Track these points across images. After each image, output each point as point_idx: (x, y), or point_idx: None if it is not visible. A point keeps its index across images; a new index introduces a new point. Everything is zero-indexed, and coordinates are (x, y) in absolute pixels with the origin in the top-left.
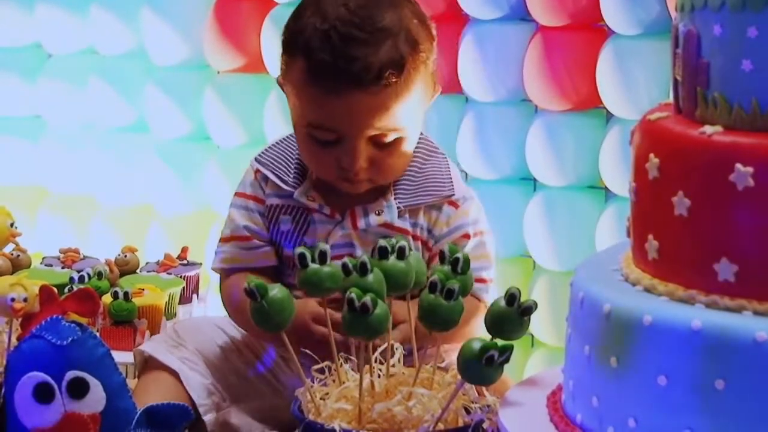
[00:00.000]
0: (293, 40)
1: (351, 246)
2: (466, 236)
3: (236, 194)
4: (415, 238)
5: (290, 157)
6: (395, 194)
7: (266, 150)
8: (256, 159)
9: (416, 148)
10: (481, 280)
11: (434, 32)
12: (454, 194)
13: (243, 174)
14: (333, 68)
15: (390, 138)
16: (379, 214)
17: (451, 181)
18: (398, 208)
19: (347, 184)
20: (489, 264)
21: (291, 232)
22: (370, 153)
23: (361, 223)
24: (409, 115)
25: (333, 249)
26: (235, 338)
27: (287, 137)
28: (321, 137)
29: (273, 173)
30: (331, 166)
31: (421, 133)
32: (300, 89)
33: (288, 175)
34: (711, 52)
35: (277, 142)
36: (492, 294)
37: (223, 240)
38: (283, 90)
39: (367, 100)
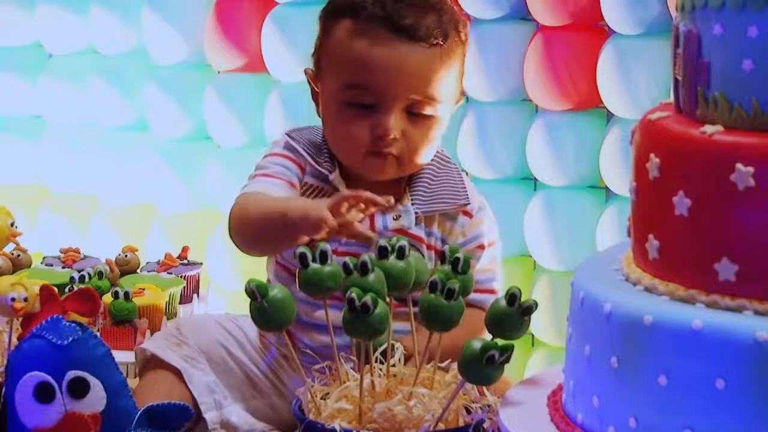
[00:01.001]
0: (338, 7)
1: (365, 247)
2: (481, 247)
3: (272, 154)
4: (429, 247)
5: (319, 144)
6: (412, 201)
7: (295, 131)
8: (289, 135)
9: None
10: (492, 291)
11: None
12: (469, 203)
13: (272, 144)
14: (382, 20)
15: (426, 111)
16: (396, 219)
17: (466, 190)
18: (416, 213)
19: (375, 161)
20: (498, 274)
21: None
22: (404, 125)
23: (378, 226)
24: (444, 93)
25: (347, 246)
26: (238, 335)
27: (310, 127)
28: (358, 100)
29: (306, 152)
30: (364, 136)
31: None
32: (342, 49)
33: (320, 157)
34: (711, 52)
35: (303, 129)
36: None
37: (249, 178)
38: (311, 83)
39: (412, 56)
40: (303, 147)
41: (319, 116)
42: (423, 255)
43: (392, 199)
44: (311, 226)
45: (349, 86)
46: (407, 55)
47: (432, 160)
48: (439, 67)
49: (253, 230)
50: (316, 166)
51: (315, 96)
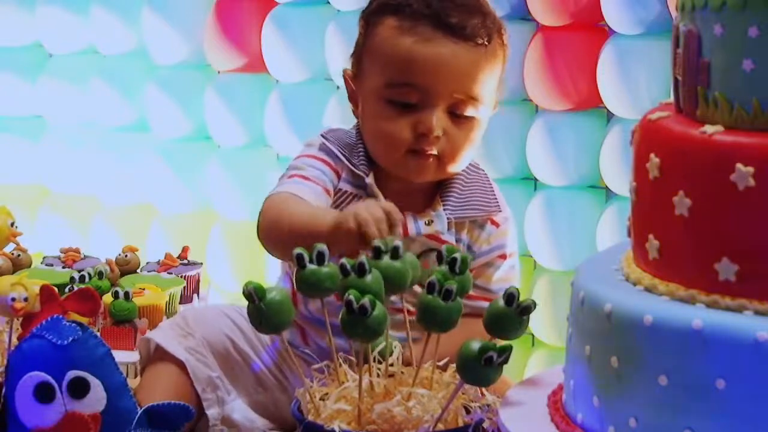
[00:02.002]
0: (382, 5)
1: None
2: (503, 257)
3: (308, 155)
4: None
5: (354, 146)
6: (444, 206)
7: (330, 132)
8: (324, 137)
9: None
10: None
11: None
12: (500, 211)
13: (305, 146)
14: (429, 18)
15: (468, 111)
16: (429, 224)
17: (496, 198)
18: (448, 219)
19: (416, 161)
20: (517, 284)
21: None
22: (446, 125)
23: (411, 231)
24: (486, 94)
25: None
26: (243, 327)
27: (343, 129)
28: (402, 98)
29: (342, 154)
30: (406, 134)
31: None
32: (386, 47)
33: (357, 160)
34: (712, 52)
35: (338, 131)
36: None
37: (283, 177)
38: (348, 83)
39: (458, 54)
40: (339, 149)
41: (357, 117)
42: None
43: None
44: (355, 238)
45: (394, 84)
46: (453, 53)
47: None
48: (483, 67)
49: (286, 241)
50: (353, 169)
51: (352, 96)
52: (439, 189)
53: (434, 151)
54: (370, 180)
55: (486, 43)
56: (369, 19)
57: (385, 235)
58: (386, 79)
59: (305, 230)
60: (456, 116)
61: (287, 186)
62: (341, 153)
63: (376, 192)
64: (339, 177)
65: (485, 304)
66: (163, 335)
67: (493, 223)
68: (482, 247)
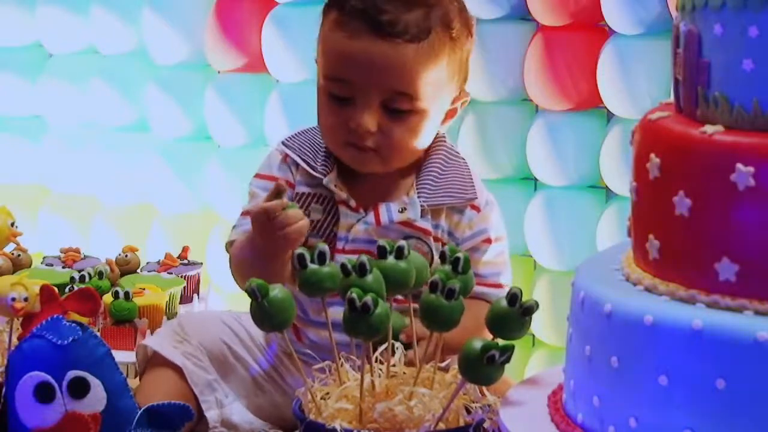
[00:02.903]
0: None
1: (371, 243)
2: (488, 241)
3: (259, 176)
4: (436, 239)
5: (318, 144)
6: (418, 193)
7: (293, 136)
8: (283, 143)
9: (438, 149)
10: (498, 285)
11: (472, 29)
12: (476, 197)
13: (265, 158)
14: (361, 14)
15: (402, 106)
16: (401, 212)
17: (473, 185)
18: (422, 206)
19: (354, 153)
20: (506, 268)
21: (321, 222)
22: (381, 119)
23: (384, 219)
24: (426, 91)
25: (353, 243)
26: (240, 333)
27: (313, 127)
28: (337, 93)
29: (301, 158)
30: (342, 128)
31: (443, 137)
32: (326, 40)
33: (316, 162)
34: (712, 52)
35: (303, 131)
36: None
37: (242, 215)
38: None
39: (386, 51)
40: (298, 153)
41: None
42: (430, 247)
43: (283, 183)
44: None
45: (330, 78)
46: (381, 51)
47: (440, 153)
48: (418, 63)
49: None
50: (311, 171)
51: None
52: (417, 176)
53: (369, 145)
54: (327, 180)
55: (422, 38)
56: (323, 11)
57: (271, 208)
58: (325, 73)
59: (260, 267)
60: (392, 111)
61: (235, 233)
62: (300, 157)
63: (332, 189)
64: (293, 186)
65: (477, 288)
66: (159, 341)
67: (474, 208)
68: (465, 232)
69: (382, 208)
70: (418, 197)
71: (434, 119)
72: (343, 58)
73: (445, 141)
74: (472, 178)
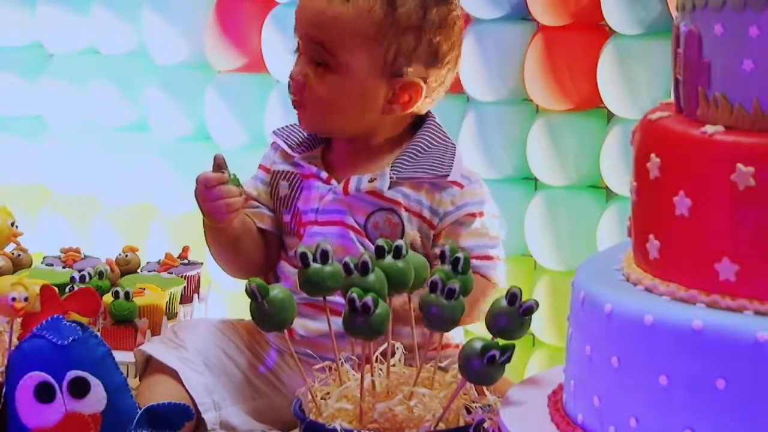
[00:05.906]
0: None
1: (340, 212)
2: (471, 215)
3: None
4: (407, 209)
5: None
6: (392, 167)
7: (287, 125)
8: (274, 131)
9: (424, 130)
10: (487, 257)
11: (455, 29)
12: (448, 175)
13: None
14: None
15: (321, 58)
16: (371, 181)
17: (451, 165)
18: (391, 177)
19: (296, 109)
20: (495, 242)
21: (287, 197)
22: (309, 72)
23: (351, 187)
24: (344, 49)
25: (323, 213)
26: (234, 339)
27: None
28: (294, 49)
29: (284, 141)
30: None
31: (435, 120)
32: None
33: (297, 144)
34: (712, 52)
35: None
36: (501, 272)
37: None
38: None
39: (319, 6)
40: (283, 137)
41: None
42: (401, 218)
43: (221, 156)
44: (210, 200)
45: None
46: (315, 5)
47: (426, 134)
48: (337, 18)
49: (225, 261)
50: (288, 150)
51: None
52: (400, 155)
53: (297, 98)
54: (299, 157)
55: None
56: None
57: (208, 178)
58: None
59: (207, 234)
60: (318, 66)
61: None
62: (283, 140)
63: (302, 164)
64: (269, 171)
65: None
66: (155, 348)
67: (456, 184)
68: (448, 208)
69: (353, 179)
70: (391, 170)
71: (366, 86)
72: (296, 12)
73: (434, 124)
74: (452, 158)
